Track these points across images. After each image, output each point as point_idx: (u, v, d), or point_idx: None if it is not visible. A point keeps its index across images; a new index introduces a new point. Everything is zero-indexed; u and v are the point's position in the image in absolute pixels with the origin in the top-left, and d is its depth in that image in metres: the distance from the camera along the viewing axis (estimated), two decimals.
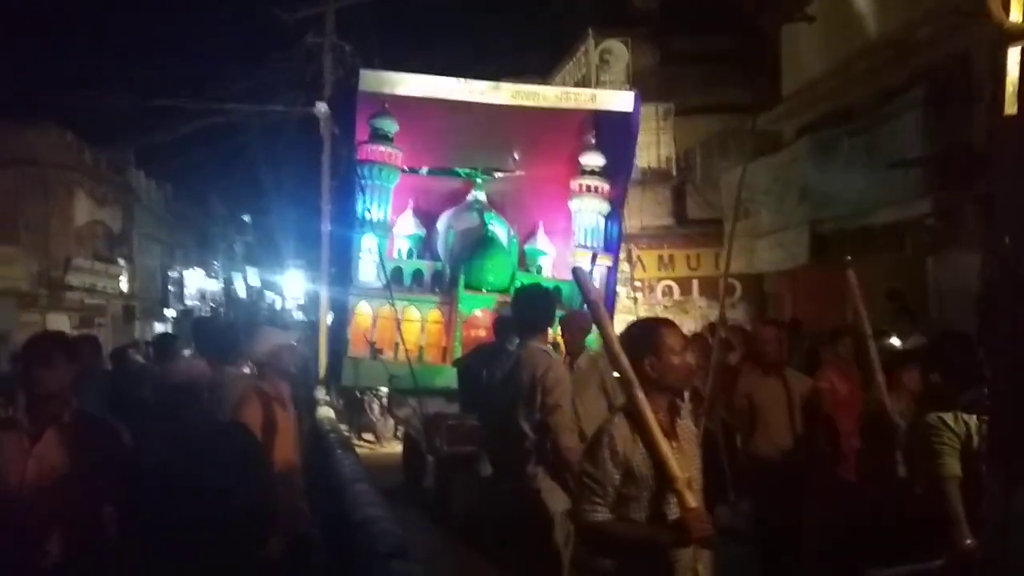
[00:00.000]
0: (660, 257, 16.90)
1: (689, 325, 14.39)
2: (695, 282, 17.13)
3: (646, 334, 2.88)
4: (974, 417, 3.04)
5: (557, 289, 9.20)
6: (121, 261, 23.28)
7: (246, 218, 38.93)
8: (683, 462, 2.73)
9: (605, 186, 9.34)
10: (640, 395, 2.69)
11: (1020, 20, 1.97)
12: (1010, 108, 1.96)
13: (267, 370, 4.46)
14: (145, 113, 17.71)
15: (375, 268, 8.79)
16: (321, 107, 16.65)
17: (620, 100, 9.66)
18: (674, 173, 17.08)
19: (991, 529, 2.13)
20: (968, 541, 2.92)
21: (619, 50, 16.97)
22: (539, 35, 20.59)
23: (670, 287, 17.00)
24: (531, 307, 4.29)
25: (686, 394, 4.15)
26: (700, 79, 16.38)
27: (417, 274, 9.19)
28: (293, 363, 4.80)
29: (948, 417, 3.21)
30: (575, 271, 3.18)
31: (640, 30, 17.15)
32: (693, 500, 2.65)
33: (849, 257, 12.30)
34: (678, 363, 2.80)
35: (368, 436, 12.66)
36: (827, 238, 11.82)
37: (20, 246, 18.48)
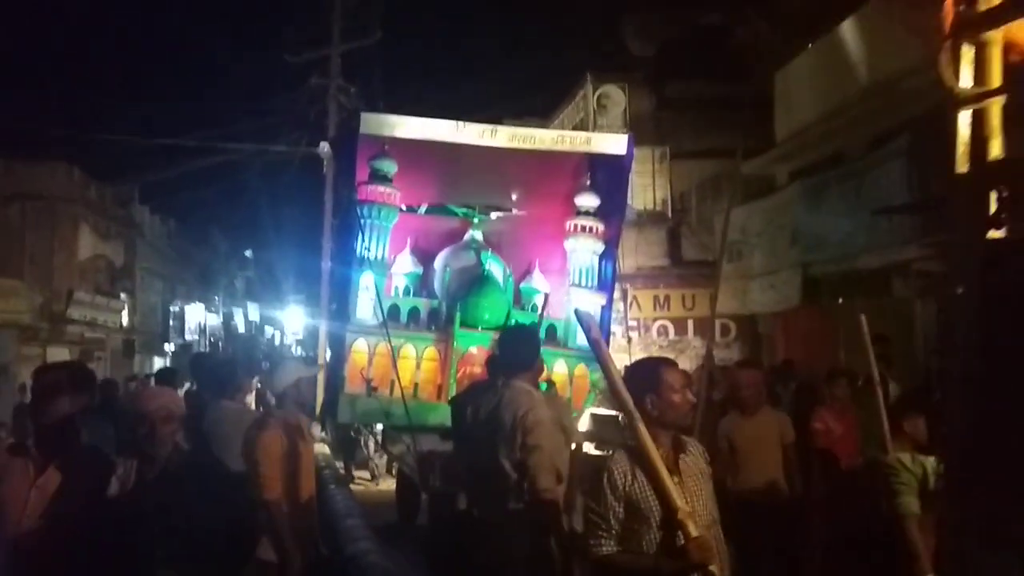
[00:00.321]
0: (656, 297, 17.07)
1: (684, 364, 14.50)
2: (690, 322, 17.27)
3: (647, 372, 2.99)
4: (931, 458, 3.20)
5: (552, 328, 9.30)
6: (123, 295, 23.42)
7: (248, 253, 39.15)
8: (686, 496, 2.80)
9: (600, 226, 9.47)
10: (643, 430, 2.78)
11: (970, 85, 2.19)
12: (961, 167, 2.17)
13: (287, 401, 4.53)
14: (151, 151, 18.05)
15: (372, 305, 8.87)
16: (324, 147, 16.91)
17: (614, 143, 9.82)
18: (669, 215, 17.34)
19: (948, 566, 2.29)
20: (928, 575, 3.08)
21: (616, 95, 17.33)
22: (540, 78, 21.03)
23: (665, 327, 17.15)
24: (515, 346, 4.33)
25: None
26: (695, 123, 16.70)
27: (414, 312, 9.27)
28: (311, 396, 5.02)
29: (906, 458, 3.40)
30: (577, 312, 3.32)
31: (637, 75, 17.52)
32: (695, 530, 2.71)
33: (841, 300, 12.54)
34: (678, 400, 2.89)
35: (363, 473, 12.65)
36: (818, 280, 12.06)
37: (24, 279, 18.59)
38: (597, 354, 3.00)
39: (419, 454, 7.54)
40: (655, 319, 17.31)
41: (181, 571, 3.13)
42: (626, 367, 3.16)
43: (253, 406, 9.71)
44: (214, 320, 32.60)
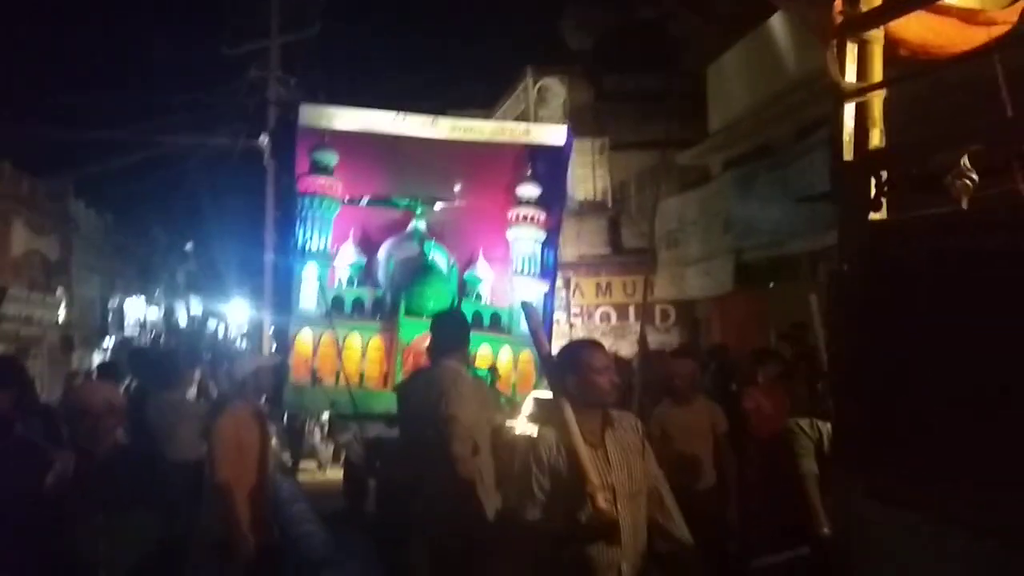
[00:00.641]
0: (598, 284, 17.38)
1: (626, 349, 14.86)
2: (631, 308, 17.60)
3: (569, 355, 3.18)
4: (828, 424, 3.46)
5: (496, 315, 9.44)
6: (59, 291, 22.91)
7: (188, 247, 38.46)
8: (610, 469, 2.98)
9: (541, 215, 9.53)
10: (566, 408, 2.97)
11: (854, 81, 2.40)
12: (848, 155, 2.38)
13: (247, 389, 4.75)
14: (86, 144, 17.64)
15: (317, 296, 8.87)
16: (264, 139, 16.74)
17: (553, 134, 9.89)
18: (609, 204, 17.62)
19: (838, 522, 2.52)
20: (825, 529, 3.33)
21: (556, 87, 17.54)
22: (481, 70, 21.12)
23: (608, 313, 17.49)
24: (444, 329, 4.51)
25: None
26: (633, 115, 17.00)
27: (358, 302, 9.24)
28: (269, 384, 5.22)
29: (804, 423, 3.69)
30: (523, 304, 3.50)
31: (576, 68, 17.74)
32: (603, 502, 2.87)
33: (772, 284, 12.96)
34: (599, 381, 3.05)
35: (308, 463, 12.71)
36: (750, 266, 12.46)
37: None
38: (536, 342, 3.22)
39: (366, 441, 7.61)
40: (597, 305, 17.61)
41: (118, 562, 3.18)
42: (558, 352, 3.31)
43: (195, 398, 9.76)
44: (155, 314, 32.03)
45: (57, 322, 22.54)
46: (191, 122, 18.67)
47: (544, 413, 5.76)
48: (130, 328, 28.56)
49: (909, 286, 2.16)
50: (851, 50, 2.35)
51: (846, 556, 2.35)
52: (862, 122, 2.30)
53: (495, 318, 9.32)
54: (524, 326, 9.17)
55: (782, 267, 11.86)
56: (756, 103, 12.62)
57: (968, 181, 1.93)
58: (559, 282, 10.51)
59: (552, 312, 10.26)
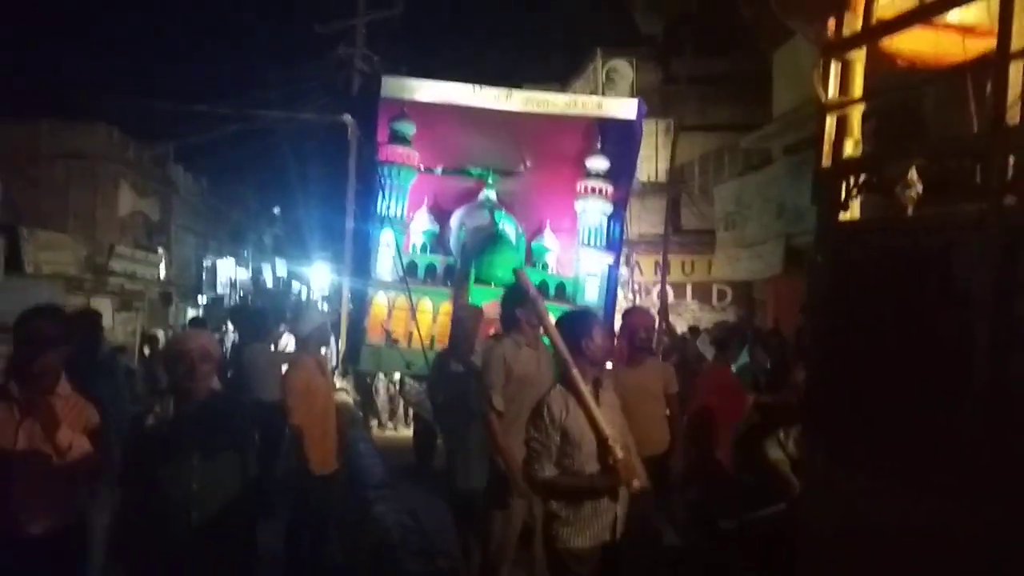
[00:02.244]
0: (656, 263, 17.47)
1: (682, 326, 15.03)
2: (688, 286, 17.67)
3: (583, 320, 3.46)
4: None
5: (561, 285, 9.42)
6: (160, 249, 24.01)
7: (276, 211, 39.58)
8: (607, 424, 3.21)
9: (609, 188, 9.42)
10: (575, 371, 3.21)
11: (835, 95, 2.61)
12: (827, 162, 2.60)
13: (311, 343, 5.31)
14: (186, 115, 18.41)
15: (392, 262, 9.01)
16: (349, 115, 17.22)
17: (624, 108, 9.65)
18: (673, 186, 17.63)
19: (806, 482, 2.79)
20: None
21: (624, 69, 17.54)
22: (554, 51, 21.15)
23: (666, 290, 17.59)
24: (503, 305, 4.66)
25: None
26: (699, 98, 16.92)
27: (430, 268, 9.37)
28: (328, 338, 5.78)
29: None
30: (515, 272, 3.75)
31: (644, 51, 17.68)
32: (620, 452, 3.14)
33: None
34: (604, 344, 3.38)
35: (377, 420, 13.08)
36: (799, 251, 12.44)
37: (69, 234, 19.09)
38: (535, 310, 3.49)
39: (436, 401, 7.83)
40: (655, 283, 17.69)
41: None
42: (561, 318, 3.51)
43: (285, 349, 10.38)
44: (244, 275, 33.26)
45: (158, 278, 23.63)
46: (283, 96, 19.32)
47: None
48: (222, 287, 29.76)
49: (864, 279, 2.41)
50: (834, 68, 2.57)
51: (812, 511, 2.63)
52: (840, 133, 2.53)
53: (560, 288, 9.37)
54: (589, 296, 9.34)
55: None
56: (814, 91, 12.49)
57: (914, 192, 2.15)
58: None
59: (616, 283, 10.16)
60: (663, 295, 9.34)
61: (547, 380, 3.78)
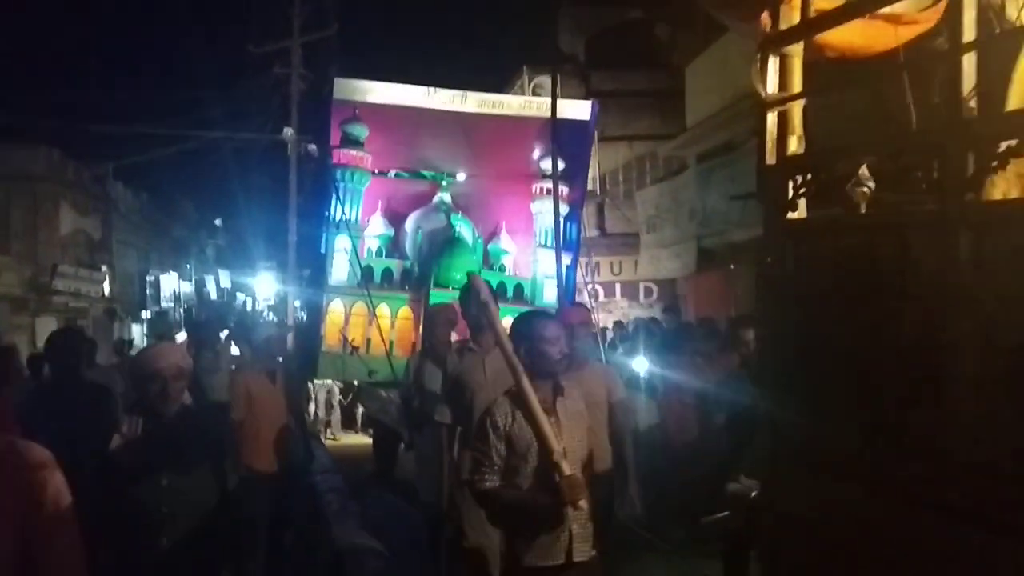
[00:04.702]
0: (586, 264, 17.43)
1: (610, 322, 15.00)
2: (617, 285, 17.73)
3: (522, 326, 3.00)
4: None
5: (519, 286, 9.07)
6: (103, 267, 22.95)
7: (217, 222, 38.21)
8: (561, 435, 2.81)
9: (564, 189, 8.79)
10: (524, 378, 2.81)
11: (775, 91, 2.41)
12: (770, 159, 2.40)
13: (261, 354, 5.23)
14: (125, 135, 17.61)
15: (348, 267, 8.54)
16: (287, 132, 16.72)
17: (578, 108, 9.37)
18: (598, 192, 17.61)
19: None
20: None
21: (549, 84, 17.37)
22: (482, 70, 20.95)
23: (596, 290, 17.55)
24: (464, 308, 4.35)
25: None
26: (620, 110, 16.95)
27: (387, 272, 8.94)
28: (281, 350, 5.58)
29: None
30: (470, 276, 3.39)
31: (567, 67, 17.63)
32: (568, 468, 2.71)
33: (732, 266, 13.14)
34: (548, 351, 2.87)
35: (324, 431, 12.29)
36: (708, 251, 12.72)
37: (11, 255, 18.26)
38: (486, 315, 3.15)
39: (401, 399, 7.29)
40: (587, 284, 17.68)
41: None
42: (512, 322, 3.13)
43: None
44: (187, 287, 32.04)
45: (102, 295, 22.61)
46: (221, 115, 18.66)
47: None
48: (165, 300, 28.61)
49: (817, 280, 2.21)
50: (773, 63, 2.37)
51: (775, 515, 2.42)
52: (782, 129, 2.33)
53: (518, 289, 9.03)
54: (548, 297, 8.92)
55: (732, 253, 12.17)
56: (722, 102, 12.70)
57: (865, 189, 1.96)
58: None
59: (575, 285, 9.69)
60: (594, 294, 9.12)
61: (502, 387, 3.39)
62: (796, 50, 2.37)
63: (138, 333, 23.79)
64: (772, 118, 2.37)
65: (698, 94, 14.41)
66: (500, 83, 19.41)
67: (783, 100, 2.35)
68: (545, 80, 17.37)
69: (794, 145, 2.34)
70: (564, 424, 2.89)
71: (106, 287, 22.90)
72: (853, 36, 2.56)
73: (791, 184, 2.26)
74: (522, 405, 2.82)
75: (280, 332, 5.80)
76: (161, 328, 21.07)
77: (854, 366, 2.11)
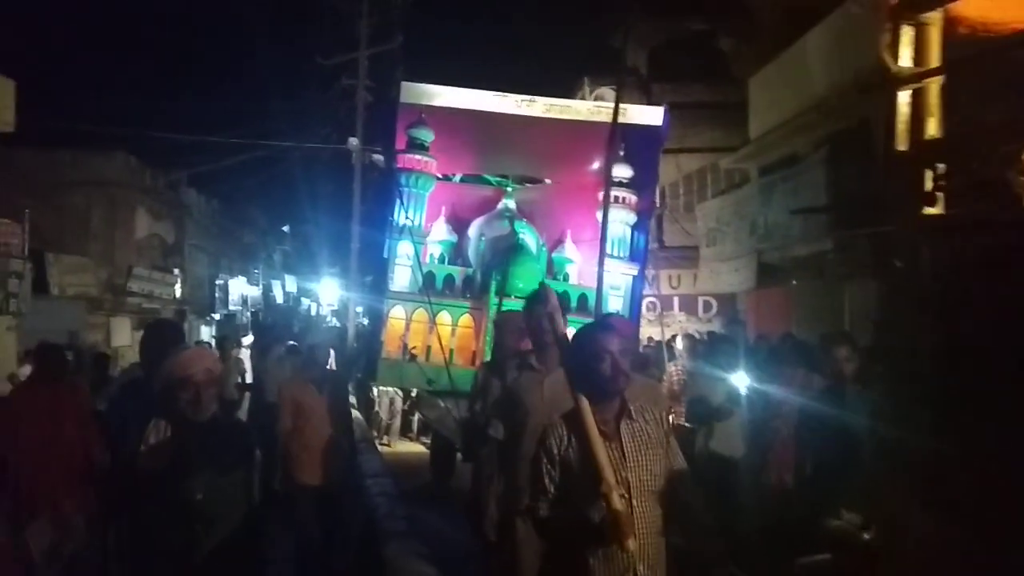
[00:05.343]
0: (645, 277, 17.00)
1: (668, 336, 14.48)
2: (676, 299, 17.21)
3: (582, 342, 2.63)
4: None
5: (583, 297, 8.56)
6: (175, 270, 23.40)
7: (285, 228, 38.75)
8: (625, 463, 2.47)
9: (632, 197, 8.65)
10: (582, 400, 2.48)
11: (909, 65, 1.99)
12: (901, 145, 1.99)
13: (308, 363, 5.18)
14: (199, 144, 17.96)
15: (410, 273, 8.28)
16: (352, 142, 16.79)
17: (650, 114, 8.93)
18: (658, 204, 17.14)
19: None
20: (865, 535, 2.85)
21: (610, 96, 17.00)
22: (545, 81, 20.70)
23: (654, 303, 17.04)
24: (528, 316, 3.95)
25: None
26: (681, 122, 16.42)
27: (449, 279, 8.61)
28: (326, 357, 5.40)
29: None
30: (541, 284, 3.04)
31: (629, 79, 17.23)
32: (618, 503, 2.36)
33: (794, 282, 12.71)
34: (599, 368, 2.52)
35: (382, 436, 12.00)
36: (769, 266, 12.22)
37: (90, 257, 18.79)
38: (554, 325, 2.80)
39: (463, 419, 6.96)
40: (645, 296, 17.28)
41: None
42: (573, 336, 2.75)
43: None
44: (255, 292, 32.49)
45: (174, 297, 23.07)
46: (289, 126, 18.87)
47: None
48: (233, 304, 29.03)
49: (959, 284, 1.79)
50: (907, 33, 1.96)
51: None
52: (918, 111, 1.92)
53: (582, 299, 8.53)
54: (612, 307, 8.36)
55: (794, 268, 11.68)
56: (786, 115, 12.18)
57: None
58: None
59: (641, 295, 9.27)
60: (653, 307, 8.70)
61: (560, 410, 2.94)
62: (935, 18, 1.96)
63: (207, 335, 24.12)
64: (904, 97, 1.96)
65: (761, 106, 13.88)
66: (560, 95, 19.15)
67: (918, 76, 1.95)
68: (606, 91, 17.01)
69: (932, 128, 1.93)
70: (629, 450, 2.51)
71: (177, 289, 23.36)
72: (990, 9, 2.14)
73: (929, 174, 1.85)
74: (578, 429, 2.48)
75: (326, 340, 5.54)
76: (228, 331, 21.42)
77: (1008, 389, 1.69)
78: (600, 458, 2.41)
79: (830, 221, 9.91)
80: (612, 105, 10.50)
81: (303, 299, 38.42)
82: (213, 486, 2.77)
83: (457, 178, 9.79)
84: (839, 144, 10.14)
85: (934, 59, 1.98)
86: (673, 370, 6.48)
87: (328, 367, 5.50)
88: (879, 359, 2.40)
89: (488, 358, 7.27)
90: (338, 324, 20.37)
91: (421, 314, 8.07)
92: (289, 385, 5.06)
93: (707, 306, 16.62)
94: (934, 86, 1.99)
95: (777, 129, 12.59)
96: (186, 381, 2.79)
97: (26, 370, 8.11)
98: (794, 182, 11.39)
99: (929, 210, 1.88)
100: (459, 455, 7.10)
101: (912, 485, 2.00)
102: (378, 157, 16.21)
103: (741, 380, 5.16)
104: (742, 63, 15.40)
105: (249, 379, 10.32)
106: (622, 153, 8.58)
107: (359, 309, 18.06)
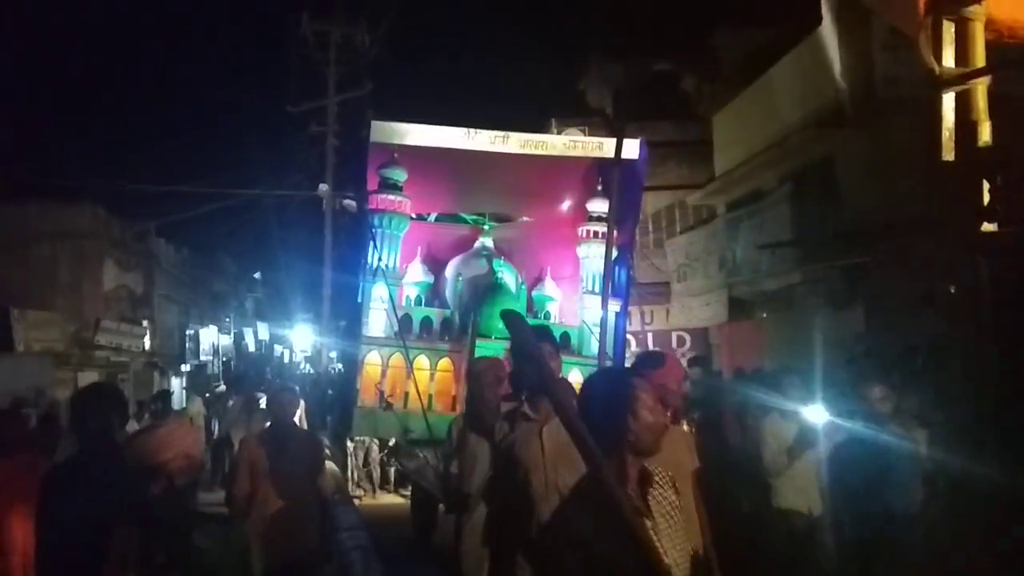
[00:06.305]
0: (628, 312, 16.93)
1: None
2: (649, 335, 16.99)
3: (619, 389, 2.08)
4: None
5: (566, 335, 8.30)
6: (144, 321, 22.65)
7: (256, 275, 37.97)
8: (661, 543, 1.99)
9: (613, 231, 8.56)
10: (610, 479, 1.93)
11: (953, 66, 1.73)
12: (947, 154, 1.71)
13: (271, 418, 4.78)
14: (168, 194, 17.58)
15: (386, 317, 7.92)
16: (323, 188, 16.56)
17: (626, 147, 8.96)
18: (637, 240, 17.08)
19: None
20: None
21: (577, 136, 17.05)
22: (512, 124, 20.68)
23: (627, 339, 16.81)
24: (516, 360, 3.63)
25: None
26: (648, 160, 16.40)
27: (426, 321, 8.31)
28: (292, 413, 4.84)
29: None
30: (512, 316, 2.50)
31: (595, 119, 17.30)
32: None
33: (765, 315, 12.65)
34: (653, 422, 2.03)
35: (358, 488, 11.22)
36: (739, 300, 12.19)
37: (56, 310, 18.09)
38: (539, 370, 2.33)
39: (445, 470, 6.49)
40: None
41: None
42: (585, 384, 2.26)
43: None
44: (226, 340, 31.58)
45: (143, 349, 22.28)
46: (260, 173, 18.57)
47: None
48: (204, 354, 28.15)
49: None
50: (948, 30, 1.71)
51: None
52: (965, 115, 1.65)
53: (564, 338, 8.28)
54: (595, 346, 8.06)
55: (764, 301, 11.65)
56: (749, 151, 12.20)
57: None
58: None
59: (624, 332, 8.89)
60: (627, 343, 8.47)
61: (564, 465, 2.54)
62: (978, 12, 1.71)
63: (177, 386, 23.28)
64: (948, 101, 1.69)
65: (725, 143, 13.95)
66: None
67: (964, 77, 1.68)
68: (573, 132, 16.97)
69: (985, 135, 1.67)
70: (660, 525, 2.03)
71: (147, 341, 22.57)
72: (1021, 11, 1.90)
73: (986, 185, 1.58)
74: (604, 507, 1.92)
75: (289, 394, 4.81)
76: (200, 381, 20.72)
77: None
78: (651, 542, 1.91)
79: (797, 255, 9.85)
80: (587, 140, 10.35)
81: (276, 346, 37.52)
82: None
83: (432, 217, 9.54)
84: (802, 179, 10.18)
85: (979, 58, 1.73)
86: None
87: (295, 419, 4.98)
88: (928, 395, 2.12)
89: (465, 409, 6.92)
90: (312, 371, 19.79)
91: (398, 359, 7.71)
92: (249, 443, 4.49)
93: (680, 340, 16.43)
94: (981, 88, 1.73)
95: (741, 166, 12.61)
96: (157, 470, 2.25)
97: None
98: (760, 217, 11.42)
99: (987, 226, 1.61)
100: (441, 507, 6.58)
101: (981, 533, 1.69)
102: (349, 202, 15.92)
103: (818, 415, 4.50)
104: (705, 102, 15.50)
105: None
106: (600, 187, 8.49)
107: (332, 355, 17.55)
